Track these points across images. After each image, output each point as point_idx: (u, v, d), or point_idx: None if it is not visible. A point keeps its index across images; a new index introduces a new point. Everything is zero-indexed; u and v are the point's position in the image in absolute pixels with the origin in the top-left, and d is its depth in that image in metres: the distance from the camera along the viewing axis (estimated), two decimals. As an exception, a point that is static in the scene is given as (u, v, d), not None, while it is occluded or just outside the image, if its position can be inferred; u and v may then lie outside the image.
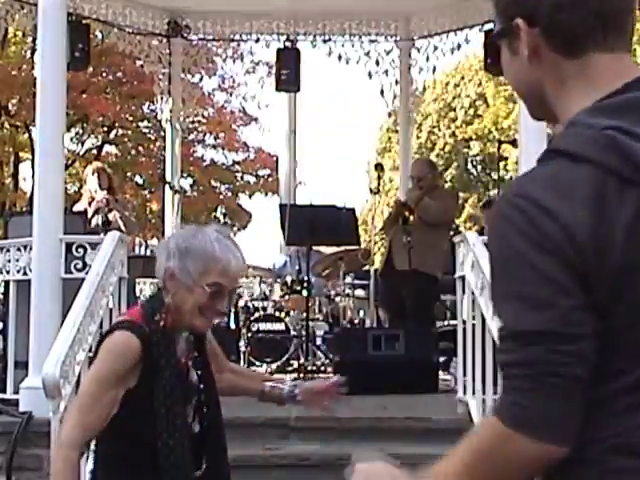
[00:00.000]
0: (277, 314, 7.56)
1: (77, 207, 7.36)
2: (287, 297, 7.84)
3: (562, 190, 1.21)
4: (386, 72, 9.64)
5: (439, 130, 30.73)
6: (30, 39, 16.14)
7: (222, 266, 2.41)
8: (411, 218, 7.35)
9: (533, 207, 1.21)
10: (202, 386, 2.51)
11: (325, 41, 9.51)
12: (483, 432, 1.27)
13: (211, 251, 2.40)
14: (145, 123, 20.83)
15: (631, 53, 1.30)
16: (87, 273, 4.93)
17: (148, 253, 23.24)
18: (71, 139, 20.00)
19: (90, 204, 7.25)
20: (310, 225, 6.92)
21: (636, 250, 1.19)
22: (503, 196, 1.30)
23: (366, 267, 8.48)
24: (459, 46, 9.33)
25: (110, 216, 7.18)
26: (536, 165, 1.28)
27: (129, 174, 20.66)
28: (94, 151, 21.00)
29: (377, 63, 9.60)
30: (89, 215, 7.07)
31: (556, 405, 1.18)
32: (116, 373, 2.36)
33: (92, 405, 2.36)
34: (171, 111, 9.63)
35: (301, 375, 6.86)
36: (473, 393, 5.01)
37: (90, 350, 4.61)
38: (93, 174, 7.34)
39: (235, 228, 20.81)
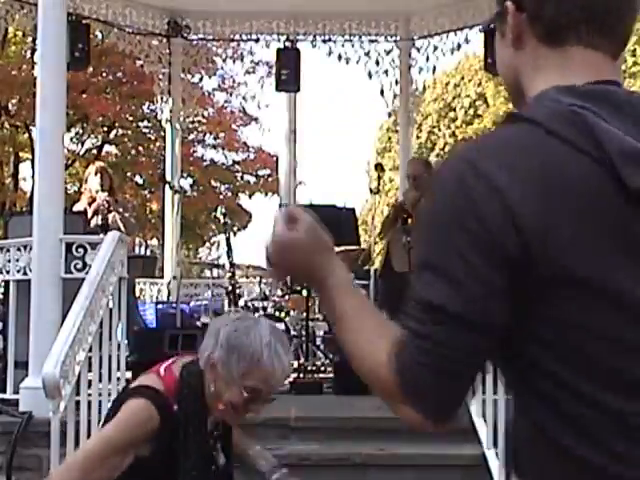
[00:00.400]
0: (277, 314, 7.56)
1: (77, 207, 7.36)
2: (287, 297, 7.84)
3: (512, 160, 1.17)
4: (386, 72, 9.64)
5: (439, 130, 30.75)
6: (30, 39, 16.15)
7: (266, 374, 2.36)
8: (409, 221, 7.37)
9: (473, 177, 1.16)
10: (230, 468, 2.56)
11: (325, 41, 9.52)
12: (374, 356, 1.26)
13: (258, 356, 2.34)
14: (145, 123, 20.83)
15: (620, 60, 1.29)
16: (87, 273, 4.93)
17: (148, 253, 23.29)
18: (71, 139, 20.01)
19: (90, 204, 7.24)
20: (310, 225, 6.92)
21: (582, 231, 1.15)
22: (449, 156, 1.27)
23: (366, 267, 8.48)
24: (459, 46, 9.33)
25: (109, 217, 7.18)
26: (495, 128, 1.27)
27: (129, 174, 20.66)
28: (94, 151, 21.00)
29: (377, 63, 9.60)
30: (89, 215, 7.08)
31: (443, 385, 1.19)
32: (128, 442, 2.32)
33: (97, 465, 2.30)
34: (171, 111, 9.63)
35: (301, 375, 6.86)
36: (473, 393, 5.01)
37: (90, 350, 4.61)
38: (96, 174, 7.33)
39: (235, 228, 20.83)
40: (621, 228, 1.17)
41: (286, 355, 2.38)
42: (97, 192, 7.24)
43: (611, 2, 1.26)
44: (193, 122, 18.22)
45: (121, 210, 7.33)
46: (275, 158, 17.68)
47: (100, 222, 7.08)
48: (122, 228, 6.98)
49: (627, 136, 1.16)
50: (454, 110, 30.29)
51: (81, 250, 5.22)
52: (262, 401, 2.40)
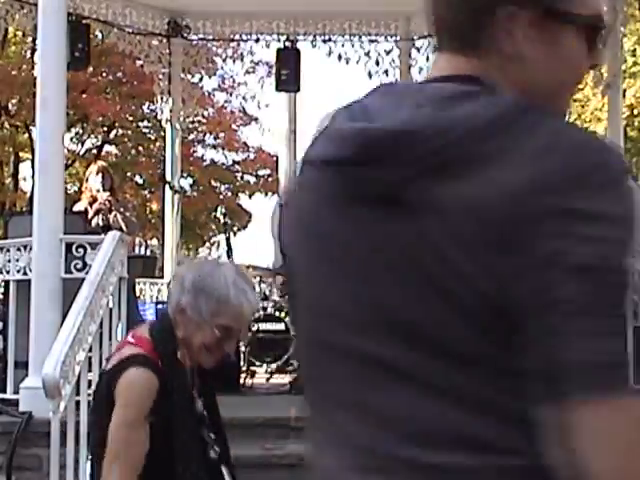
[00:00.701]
0: (277, 314, 7.56)
1: (78, 206, 7.35)
2: (287, 297, 7.84)
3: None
4: (386, 72, 9.64)
5: (439, 130, 30.75)
6: (30, 39, 16.15)
7: (235, 311, 2.40)
8: None
9: None
10: (206, 413, 2.53)
11: (325, 41, 9.51)
12: None
13: (225, 294, 2.39)
14: (145, 123, 20.82)
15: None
16: (87, 273, 4.93)
17: (148, 253, 23.29)
18: (71, 139, 20.01)
19: (91, 204, 7.24)
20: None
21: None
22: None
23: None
24: (459, 46, 9.33)
25: (111, 217, 7.17)
26: None
27: (129, 174, 20.66)
28: (94, 151, 21.00)
29: (377, 63, 9.60)
30: (90, 215, 7.07)
31: None
32: (143, 413, 2.34)
33: (131, 450, 2.33)
34: (171, 111, 9.63)
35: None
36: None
37: (90, 350, 4.61)
38: (97, 174, 7.32)
39: (235, 228, 20.82)
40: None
41: (252, 292, 2.47)
42: (98, 192, 7.23)
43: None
44: (193, 122, 18.20)
45: (122, 210, 7.33)
46: (275, 158, 17.68)
47: (101, 222, 7.07)
48: (123, 227, 6.97)
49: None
50: (454, 110, 30.28)
51: (81, 250, 5.22)
52: (234, 338, 2.48)
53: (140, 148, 20.85)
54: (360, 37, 9.53)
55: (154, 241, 23.47)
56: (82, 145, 21.11)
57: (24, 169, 20.54)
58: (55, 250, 5.18)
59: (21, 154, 19.55)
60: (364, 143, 1.05)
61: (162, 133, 13.01)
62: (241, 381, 6.64)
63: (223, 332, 2.41)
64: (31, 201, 5.58)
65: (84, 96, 17.53)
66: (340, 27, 9.43)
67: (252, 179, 21.75)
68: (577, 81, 1.21)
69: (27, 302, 5.17)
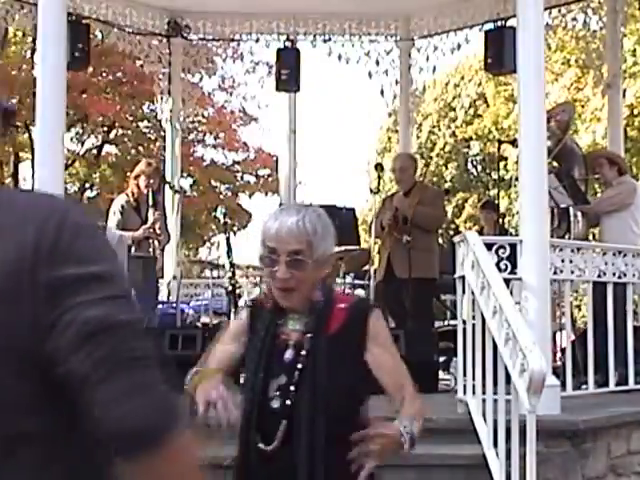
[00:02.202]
0: (277, 314, 7.55)
1: (119, 200, 7.38)
2: (287, 297, 7.83)
3: None
4: (386, 72, 9.65)
5: (439, 130, 30.72)
6: (30, 39, 16.14)
7: (270, 231, 2.46)
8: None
9: None
10: (299, 366, 2.46)
11: (325, 41, 9.52)
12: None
13: (266, 221, 2.52)
14: (145, 123, 20.81)
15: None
16: (87, 273, 4.92)
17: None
18: (71, 139, 19.99)
19: (132, 205, 7.25)
20: (310, 225, 6.91)
21: None
22: None
23: (366, 267, 8.47)
24: (459, 46, 9.34)
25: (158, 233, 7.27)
26: None
27: (129, 174, 20.63)
28: (94, 151, 20.99)
29: (377, 63, 9.61)
30: (139, 232, 7.09)
31: None
32: (227, 333, 2.71)
33: (214, 350, 2.73)
34: (171, 111, 9.64)
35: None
36: (473, 393, 5.01)
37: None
38: (150, 179, 7.35)
39: (235, 228, 20.81)
40: None
41: (289, 215, 2.47)
42: (147, 196, 7.24)
43: None
44: (193, 122, 18.19)
45: (162, 223, 7.38)
46: (275, 158, 17.68)
47: (149, 247, 7.12)
48: (156, 243, 7.08)
49: None
50: (454, 110, 30.26)
51: (81, 250, 5.22)
52: (280, 261, 2.45)
53: (140, 148, 20.82)
54: (360, 37, 9.53)
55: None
56: (82, 145, 21.09)
57: (24, 169, 20.54)
58: (55, 250, 5.17)
59: (21, 154, 19.53)
60: None
61: (162, 133, 13.01)
62: (241, 381, 6.62)
63: (270, 254, 2.47)
64: (31, 201, 5.54)
65: (84, 96, 17.51)
66: (340, 27, 9.43)
67: (252, 179, 21.73)
68: None
69: (27, 302, 5.16)
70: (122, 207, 7.28)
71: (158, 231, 7.27)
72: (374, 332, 2.49)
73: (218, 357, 2.67)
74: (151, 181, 7.39)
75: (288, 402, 2.42)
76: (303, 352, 2.46)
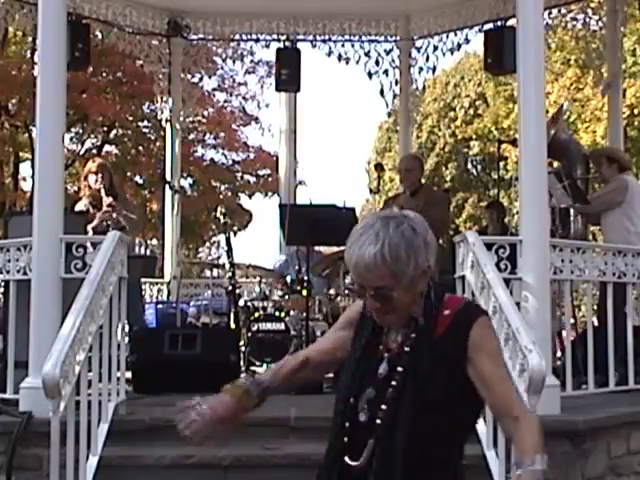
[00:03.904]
0: (277, 314, 7.55)
1: (79, 206, 7.34)
2: (287, 297, 7.84)
3: None
4: (386, 72, 9.65)
5: (439, 130, 30.74)
6: (30, 39, 16.14)
7: (349, 262, 2.22)
8: None
9: None
10: (394, 383, 2.22)
11: (325, 41, 9.52)
12: None
13: (347, 245, 2.23)
14: (145, 123, 20.82)
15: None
16: (87, 273, 4.93)
17: (148, 253, 23.27)
18: (71, 139, 20.01)
19: (93, 205, 7.24)
20: (310, 225, 6.92)
21: None
22: None
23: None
24: (459, 46, 9.35)
25: (114, 220, 7.20)
26: None
27: (129, 174, 20.64)
28: (94, 151, 21.00)
29: (377, 63, 9.61)
30: (95, 222, 7.08)
31: None
32: (343, 318, 2.48)
33: (328, 336, 2.54)
34: (171, 111, 9.64)
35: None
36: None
37: (90, 350, 4.61)
38: (97, 173, 7.33)
39: (235, 228, 20.81)
40: None
41: (367, 244, 2.16)
42: (99, 191, 7.23)
43: None
44: (193, 122, 18.21)
45: (124, 209, 7.33)
46: (275, 158, 17.67)
47: (108, 228, 7.06)
48: (126, 227, 7.01)
49: None
50: (454, 110, 30.27)
51: (81, 250, 5.22)
52: (365, 295, 2.23)
53: (140, 148, 20.83)
54: (360, 37, 9.53)
55: (154, 241, 23.46)
56: (82, 145, 21.11)
57: (24, 169, 20.55)
58: (55, 250, 5.18)
59: (21, 154, 19.53)
60: None
61: (162, 133, 13.01)
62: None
63: (355, 283, 2.24)
64: (31, 201, 5.56)
65: (84, 96, 17.52)
66: (340, 27, 9.43)
67: (252, 179, 21.74)
68: None
69: (27, 302, 5.17)
70: (82, 209, 7.24)
71: (115, 214, 7.23)
72: (477, 341, 2.20)
73: (328, 343, 2.49)
74: (99, 176, 7.34)
75: (378, 420, 2.22)
76: (399, 369, 2.23)
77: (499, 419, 2.25)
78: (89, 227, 7.02)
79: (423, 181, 8.36)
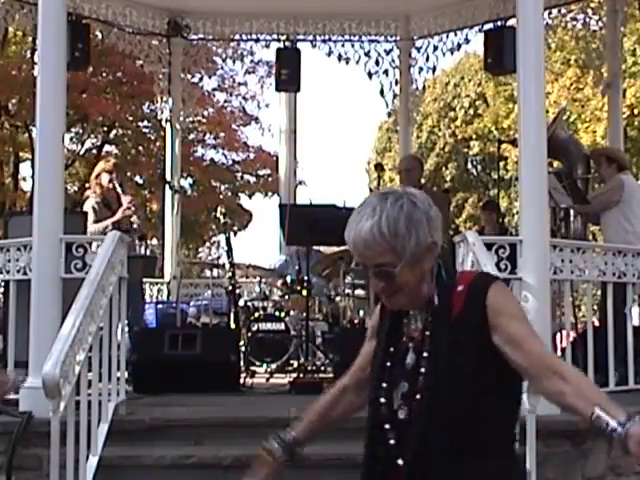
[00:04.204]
0: (277, 314, 7.56)
1: (88, 204, 7.37)
2: (287, 297, 7.84)
3: None
4: (386, 72, 9.65)
5: (439, 130, 30.74)
6: (30, 39, 16.14)
7: (349, 242, 2.15)
8: None
9: None
10: (423, 370, 2.12)
11: (325, 41, 9.52)
12: None
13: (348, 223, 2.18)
14: (145, 123, 20.81)
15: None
16: (87, 273, 4.93)
17: (148, 253, 23.24)
18: (71, 139, 20.00)
19: (104, 203, 7.29)
20: (310, 225, 6.92)
21: None
22: None
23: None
24: (459, 46, 9.35)
25: (134, 219, 7.35)
26: None
27: (129, 174, 20.63)
28: (94, 151, 21.00)
29: (377, 63, 9.61)
30: (118, 216, 7.21)
31: None
32: (368, 330, 2.42)
33: (359, 358, 2.45)
34: (171, 111, 9.64)
35: (301, 375, 6.85)
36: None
37: (90, 350, 4.61)
38: (111, 173, 7.41)
39: (235, 228, 20.81)
40: None
41: (363, 220, 2.10)
42: (114, 189, 7.34)
43: None
44: (193, 122, 18.20)
45: (137, 209, 7.53)
46: (275, 158, 17.67)
47: (126, 226, 7.17)
48: (137, 228, 7.21)
49: None
50: (454, 110, 30.27)
51: (81, 250, 5.23)
52: (370, 274, 2.15)
53: (140, 148, 20.83)
54: (360, 37, 9.53)
55: (154, 241, 23.45)
56: (82, 145, 21.10)
57: (24, 169, 20.54)
58: (55, 250, 5.18)
59: (21, 154, 19.53)
60: None
61: (162, 133, 13.01)
62: (241, 381, 6.63)
63: (358, 263, 2.19)
64: (31, 201, 5.57)
65: (84, 96, 17.51)
66: (340, 27, 9.43)
67: (252, 179, 21.73)
68: None
69: (27, 302, 5.17)
70: (94, 207, 7.29)
71: (134, 209, 7.34)
72: (496, 307, 2.08)
73: (359, 361, 2.43)
74: (113, 175, 7.41)
75: (411, 412, 2.12)
76: (425, 354, 2.13)
77: (539, 382, 2.06)
78: (106, 223, 7.14)
79: (423, 181, 8.36)
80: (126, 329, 5.79)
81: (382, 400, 2.17)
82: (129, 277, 5.42)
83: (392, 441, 2.13)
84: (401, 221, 2.08)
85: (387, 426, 2.15)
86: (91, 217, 7.20)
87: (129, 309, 5.61)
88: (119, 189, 7.39)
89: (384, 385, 2.18)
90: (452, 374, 2.06)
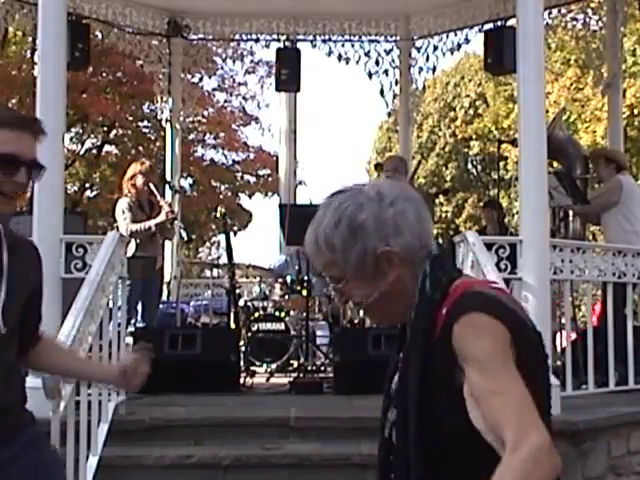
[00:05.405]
0: (277, 314, 7.55)
1: (121, 205, 7.45)
2: (287, 297, 7.84)
3: None
4: (386, 72, 9.65)
5: (439, 130, 30.73)
6: (30, 39, 16.14)
7: None
8: None
9: None
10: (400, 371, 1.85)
11: (325, 41, 9.53)
12: None
13: None
14: (145, 123, 20.82)
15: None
16: (87, 273, 4.93)
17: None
18: (71, 139, 20.00)
19: (138, 205, 7.41)
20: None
21: None
22: None
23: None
24: (459, 46, 9.35)
25: (175, 223, 7.58)
26: None
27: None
28: (94, 151, 21.00)
29: (377, 63, 9.61)
30: (160, 218, 7.35)
31: None
32: None
33: None
34: (171, 111, 9.64)
35: (301, 375, 6.87)
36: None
37: (90, 350, 4.61)
38: (147, 176, 7.51)
39: (235, 228, 20.81)
40: None
41: (311, 225, 1.89)
42: (151, 192, 7.46)
43: None
44: (193, 122, 18.21)
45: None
46: (275, 158, 17.67)
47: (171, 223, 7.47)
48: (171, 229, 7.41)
49: None
50: (454, 110, 30.26)
51: (81, 250, 5.23)
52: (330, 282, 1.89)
53: (140, 148, 20.83)
54: (360, 37, 9.54)
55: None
56: (82, 145, 21.10)
57: (24, 169, 20.51)
58: (55, 250, 5.18)
59: (21, 154, 19.52)
60: None
61: (162, 133, 13.01)
62: (241, 381, 6.63)
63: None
64: (31, 201, 5.57)
65: (84, 96, 17.52)
66: (340, 27, 9.44)
67: (252, 179, 21.73)
68: None
69: (27, 302, 5.16)
70: (129, 206, 7.36)
71: (174, 211, 7.63)
72: (459, 346, 1.65)
73: None
74: (148, 177, 7.48)
75: (391, 432, 1.87)
76: (397, 383, 1.86)
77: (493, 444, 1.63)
78: (150, 223, 7.31)
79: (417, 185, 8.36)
80: (129, 329, 5.80)
81: (382, 425, 1.93)
82: (147, 277, 5.41)
83: (392, 475, 1.88)
84: (339, 231, 1.80)
85: (383, 452, 1.95)
86: (127, 217, 7.27)
87: (145, 308, 5.62)
88: (155, 191, 7.45)
89: (383, 408, 1.93)
90: (421, 410, 1.71)
